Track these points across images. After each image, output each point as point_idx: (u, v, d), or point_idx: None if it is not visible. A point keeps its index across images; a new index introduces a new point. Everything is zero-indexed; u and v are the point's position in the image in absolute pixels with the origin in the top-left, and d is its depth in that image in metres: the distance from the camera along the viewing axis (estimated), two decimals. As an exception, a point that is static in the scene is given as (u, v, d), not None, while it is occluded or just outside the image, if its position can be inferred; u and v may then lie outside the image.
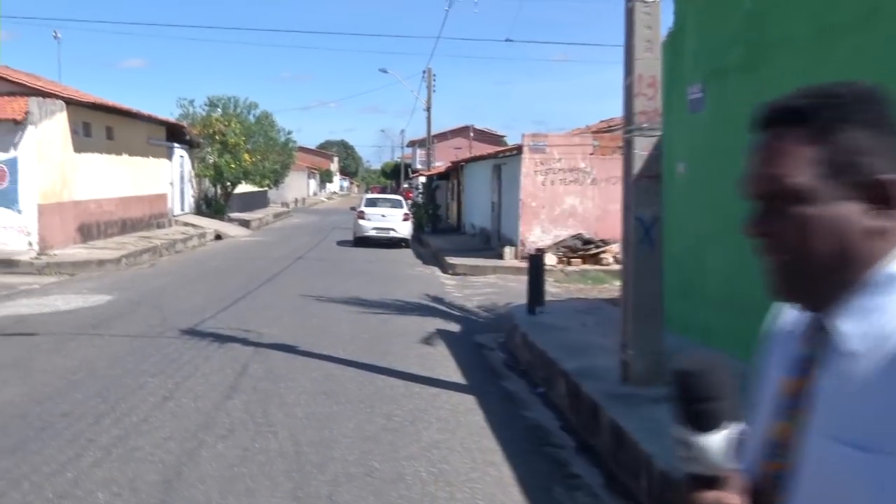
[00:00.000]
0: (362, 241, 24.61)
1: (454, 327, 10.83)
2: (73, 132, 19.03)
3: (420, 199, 37.61)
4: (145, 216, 24.20)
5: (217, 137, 32.92)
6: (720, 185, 7.91)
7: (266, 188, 43.24)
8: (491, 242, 22.89)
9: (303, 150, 69.20)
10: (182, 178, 29.50)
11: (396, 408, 6.75)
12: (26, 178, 17.01)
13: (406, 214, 25.77)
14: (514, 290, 13.99)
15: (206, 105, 34.77)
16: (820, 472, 1.05)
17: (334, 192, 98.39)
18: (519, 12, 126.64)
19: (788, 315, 1.23)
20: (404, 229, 25.13)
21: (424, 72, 39.36)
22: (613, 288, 13.77)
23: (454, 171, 34.65)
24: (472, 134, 64.66)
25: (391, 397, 7.09)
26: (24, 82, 18.50)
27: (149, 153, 24.95)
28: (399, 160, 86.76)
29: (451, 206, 35.41)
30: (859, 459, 0.99)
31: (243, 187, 36.95)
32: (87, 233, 19.74)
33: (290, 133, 40.46)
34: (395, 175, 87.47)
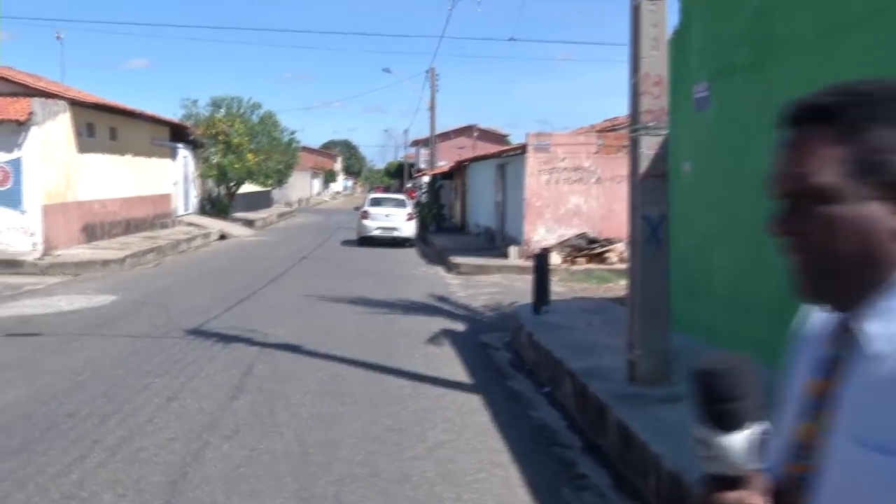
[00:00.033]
0: (366, 241, 24.60)
1: (459, 327, 10.81)
2: (77, 133, 19.04)
3: (424, 199, 37.58)
4: (149, 216, 24.21)
5: (220, 137, 32.94)
6: (726, 184, 7.88)
7: (270, 188, 43.26)
8: (495, 242, 22.86)
9: (306, 149, 69.19)
10: (186, 178, 29.51)
11: (402, 408, 6.73)
12: (30, 179, 17.01)
13: (410, 214, 25.75)
14: (519, 289, 13.97)
15: (209, 105, 34.80)
16: (843, 475, 1.03)
17: (338, 192, 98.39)
18: (522, 11, 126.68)
19: (817, 316, 1.21)
20: (408, 229, 25.10)
21: (428, 71, 39.33)
22: (618, 287, 13.74)
23: (458, 170, 34.63)
24: (475, 133, 64.61)
25: (397, 397, 7.07)
26: (26, 83, 18.50)
27: (153, 153, 24.96)
28: (402, 160, 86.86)
29: (455, 206, 35.38)
30: (882, 462, 0.97)
31: (247, 187, 36.96)
32: (91, 233, 19.74)
33: (293, 133, 40.43)
34: (398, 175, 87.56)
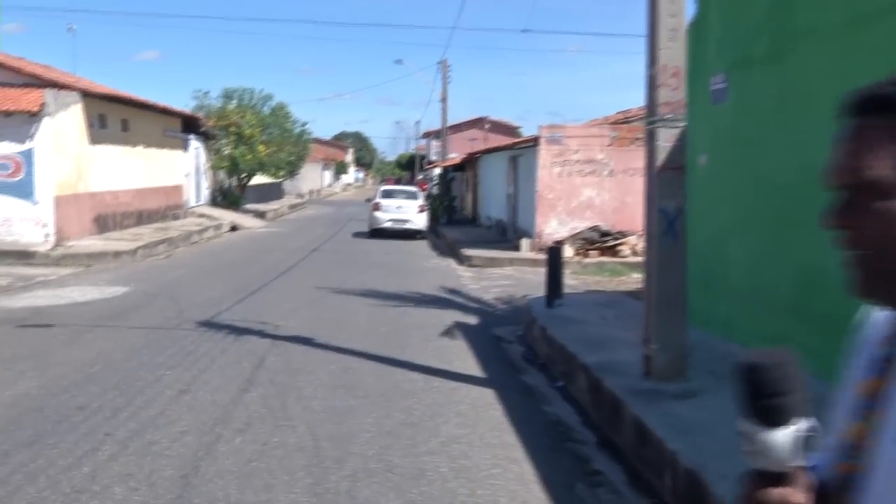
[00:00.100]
0: (378, 233, 24.57)
1: (472, 320, 10.75)
2: (89, 124, 19.05)
3: (435, 191, 37.52)
4: (161, 208, 24.24)
5: (232, 129, 33.00)
6: (742, 177, 7.78)
7: (281, 179, 43.27)
8: (507, 234, 22.78)
9: (318, 141, 69.17)
10: (198, 169, 29.54)
11: (415, 402, 6.68)
12: (42, 170, 17.02)
13: (422, 206, 25.69)
14: (531, 282, 13.90)
15: (221, 97, 34.86)
16: (890, 476, 1.00)
17: (349, 184, 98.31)
18: (536, 2, 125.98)
19: (877, 315, 1.17)
20: (420, 221, 25.05)
21: (440, 63, 39.23)
22: (631, 280, 13.66)
23: (469, 162, 34.53)
24: (487, 125, 64.43)
25: (410, 391, 7.02)
26: (39, 74, 18.50)
27: (164, 145, 24.98)
28: (414, 151, 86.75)
29: (467, 198, 35.29)
30: None
31: (258, 179, 37.01)
32: (103, 224, 19.77)
33: (305, 124, 40.45)
34: (409, 166, 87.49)
